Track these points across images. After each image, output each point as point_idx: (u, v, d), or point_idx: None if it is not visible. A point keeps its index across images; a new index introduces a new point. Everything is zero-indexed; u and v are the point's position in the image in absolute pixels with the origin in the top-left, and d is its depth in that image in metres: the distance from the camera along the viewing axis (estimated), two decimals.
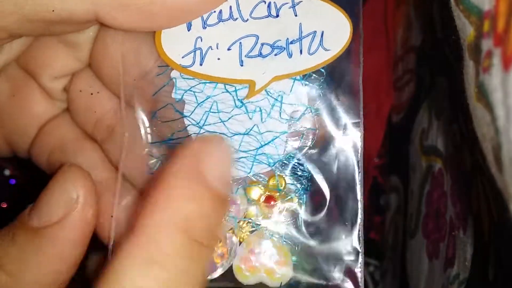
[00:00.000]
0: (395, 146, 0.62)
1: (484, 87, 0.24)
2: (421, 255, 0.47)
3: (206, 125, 0.28)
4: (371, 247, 0.64)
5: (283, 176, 0.28)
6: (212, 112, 0.28)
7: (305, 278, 0.29)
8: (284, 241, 0.28)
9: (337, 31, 0.28)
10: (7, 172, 0.56)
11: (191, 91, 0.29)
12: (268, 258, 0.28)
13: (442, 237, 0.44)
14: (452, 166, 0.44)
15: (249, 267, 0.28)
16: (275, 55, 0.28)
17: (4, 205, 0.56)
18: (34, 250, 0.26)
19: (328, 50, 0.28)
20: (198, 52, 0.28)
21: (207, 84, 0.29)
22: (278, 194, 0.28)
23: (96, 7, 0.25)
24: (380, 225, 0.64)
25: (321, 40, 0.28)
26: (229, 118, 0.28)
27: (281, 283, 0.28)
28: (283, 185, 0.28)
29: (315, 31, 0.28)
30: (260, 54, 0.28)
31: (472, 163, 0.38)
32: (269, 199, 0.28)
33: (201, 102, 0.28)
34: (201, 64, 0.28)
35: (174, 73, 0.29)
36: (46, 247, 0.26)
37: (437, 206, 0.46)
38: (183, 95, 0.29)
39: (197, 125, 0.28)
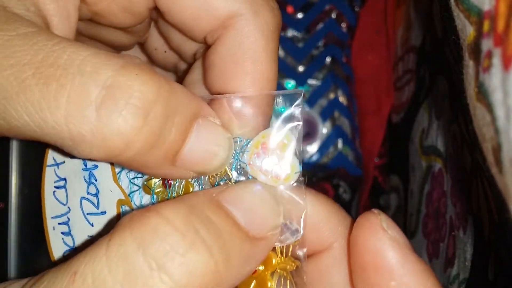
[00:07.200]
0: (395, 146, 0.62)
1: (484, 87, 0.24)
2: (421, 255, 0.47)
3: None
4: None
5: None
6: None
7: None
8: None
9: None
10: None
11: None
12: None
13: (442, 237, 0.44)
14: (452, 166, 0.44)
15: None
16: None
17: (2, 206, 0.56)
18: (239, 251, 0.25)
19: None
20: None
21: None
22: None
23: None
24: None
25: None
26: None
27: None
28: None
29: None
30: None
31: (472, 163, 0.38)
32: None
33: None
34: None
35: None
36: (254, 254, 0.25)
37: (437, 206, 0.46)
38: None
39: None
